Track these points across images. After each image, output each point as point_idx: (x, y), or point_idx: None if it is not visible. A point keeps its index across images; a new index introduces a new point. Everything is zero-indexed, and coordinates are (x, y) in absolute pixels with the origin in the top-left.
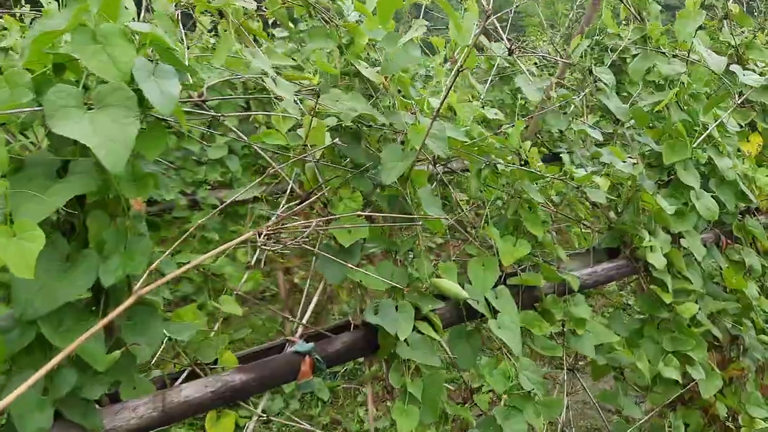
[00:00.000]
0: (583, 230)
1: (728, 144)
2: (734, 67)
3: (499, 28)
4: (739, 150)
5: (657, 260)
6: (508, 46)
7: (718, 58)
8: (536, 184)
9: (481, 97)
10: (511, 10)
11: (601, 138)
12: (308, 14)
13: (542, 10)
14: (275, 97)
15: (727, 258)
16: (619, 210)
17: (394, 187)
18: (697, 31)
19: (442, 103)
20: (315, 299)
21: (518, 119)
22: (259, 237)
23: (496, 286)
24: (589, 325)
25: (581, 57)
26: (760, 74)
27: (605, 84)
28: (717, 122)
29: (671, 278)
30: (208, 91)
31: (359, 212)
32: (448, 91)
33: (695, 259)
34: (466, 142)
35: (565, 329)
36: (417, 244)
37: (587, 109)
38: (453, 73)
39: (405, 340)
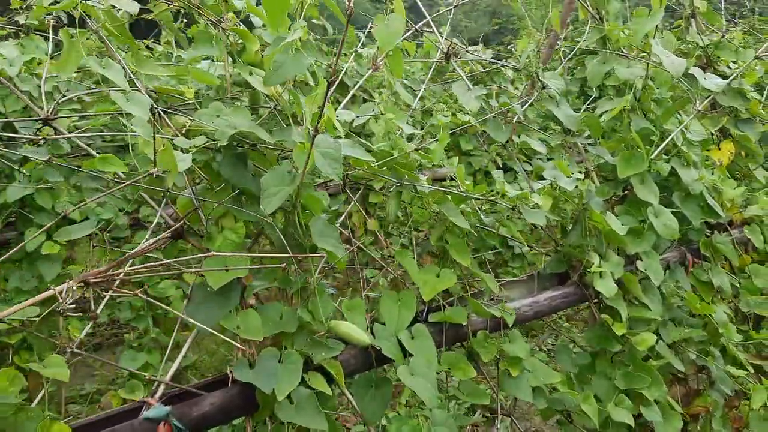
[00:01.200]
0: (528, 253)
1: (694, 153)
2: (694, 70)
3: (436, 30)
4: (707, 159)
5: (606, 287)
6: (445, 50)
7: (676, 60)
8: (468, 205)
9: (413, 107)
10: (451, 11)
11: (544, 151)
12: (192, 17)
13: (534, 12)
14: (127, 115)
15: (694, 278)
16: (568, 230)
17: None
18: (657, 30)
19: (320, 117)
20: (186, 348)
21: (442, 133)
22: (86, 286)
23: (415, 323)
24: (528, 362)
25: (528, 61)
26: (727, 77)
27: (554, 90)
28: (678, 130)
29: (627, 306)
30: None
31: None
32: (324, 102)
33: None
34: (372, 161)
35: (499, 370)
36: (308, 281)
37: None
38: (329, 82)
39: (289, 398)
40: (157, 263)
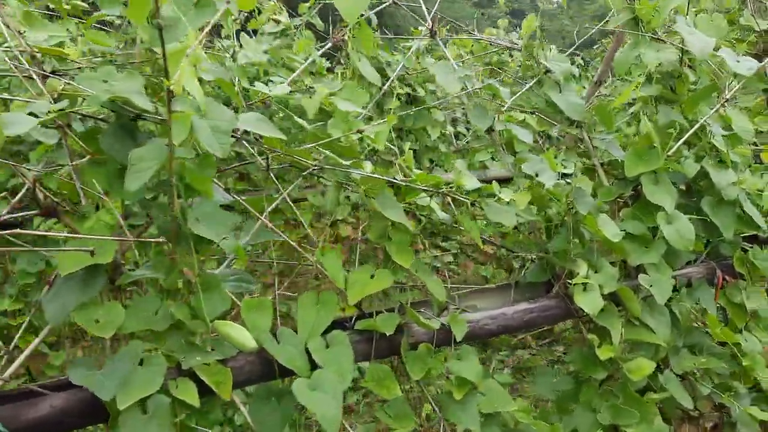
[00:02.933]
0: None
1: (735, 152)
2: (724, 52)
3: (423, 5)
4: (758, 161)
5: (590, 302)
6: (430, 26)
7: (703, 39)
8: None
9: (384, 88)
10: None
11: (530, 140)
12: None
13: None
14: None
15: (726, 299)
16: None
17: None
18: (703, 10)
19: (167, 76)
20: (39, 340)
21: (389, 115)
22: None
23: (343, 329)
24: (483, 384)
25: (530, 41)
26: None
27: (557, 75)
28: (701, 122)
29: (627, 326)
30: None
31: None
32: (166, 64)
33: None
34: (282, 139)
35: (442, 391)
36: (184, 273)
37: None
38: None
39: (142, 407)
40: None
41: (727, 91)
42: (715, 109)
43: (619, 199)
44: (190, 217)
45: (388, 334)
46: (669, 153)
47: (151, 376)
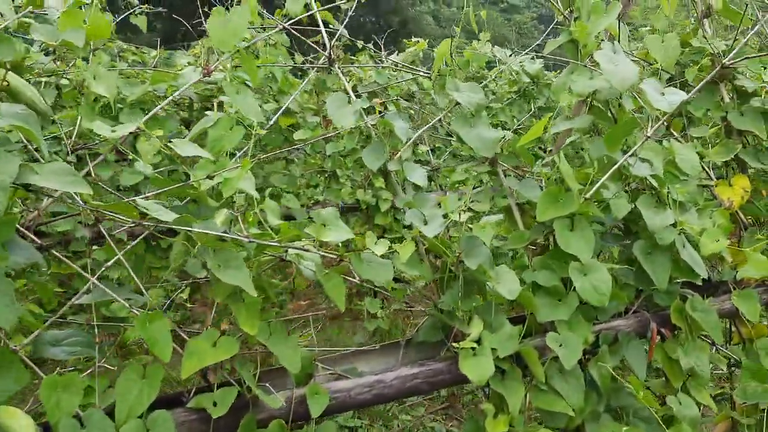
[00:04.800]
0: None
1: (678, 191)
2: (647, 84)
3: (324, 32)
4: (713, 197)
5: (476, 369)
6: (328, 54)
7: (625, 69)
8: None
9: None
10: None
11: (424, 182)
12: None
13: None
14: None
15: (664, 355)
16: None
17: None
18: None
19: None
20: None
21: (246, 159)
22: None
23: (171, 403)
24: None
25: (442, 70)
26: (754, 93)
27: (468, 107)
28: (623, 159)
29: (534, 390)
30: None
31: None
32: None
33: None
34: (89, 194)
35: None
36: None
37: None
38: None
39: None
40: None
41: (650, 127)
42: (638, 146)
43: (531, 246)
44: None
45: (229, 410)
46: (587, 195)
47: None
